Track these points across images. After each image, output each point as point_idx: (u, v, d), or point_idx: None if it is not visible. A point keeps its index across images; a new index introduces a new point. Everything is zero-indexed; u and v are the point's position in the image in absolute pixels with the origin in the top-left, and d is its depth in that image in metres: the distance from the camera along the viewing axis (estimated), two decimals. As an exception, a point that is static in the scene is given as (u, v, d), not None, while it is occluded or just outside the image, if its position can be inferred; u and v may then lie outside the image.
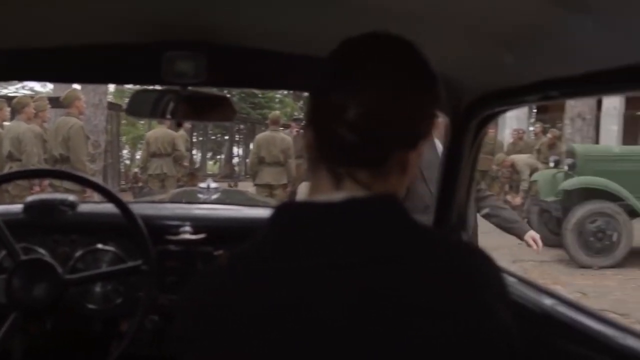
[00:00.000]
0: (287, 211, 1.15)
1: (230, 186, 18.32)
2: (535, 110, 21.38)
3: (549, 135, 14.31)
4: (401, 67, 1.14)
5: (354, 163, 1.12)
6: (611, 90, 1.69)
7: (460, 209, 2.10)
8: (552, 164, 12.18)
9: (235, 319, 1.08)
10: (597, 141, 16.78)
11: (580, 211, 10.36)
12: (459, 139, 2.04)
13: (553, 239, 11.39)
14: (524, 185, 14.15)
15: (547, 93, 1.61)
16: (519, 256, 10.68)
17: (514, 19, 1.38)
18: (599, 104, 16.75)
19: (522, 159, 14.98)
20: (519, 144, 16.27)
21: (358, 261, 1.06)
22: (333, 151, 1.13)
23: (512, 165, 15.05)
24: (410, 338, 1.03)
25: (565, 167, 11.36)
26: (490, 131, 17.07)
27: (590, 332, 1.59)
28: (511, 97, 1.79)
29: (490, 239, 11.96)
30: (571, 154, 11.53)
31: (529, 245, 4.76)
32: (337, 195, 1.10)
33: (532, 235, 4.74)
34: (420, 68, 1.16)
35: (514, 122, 19.90)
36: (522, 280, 1.97)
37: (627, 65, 1.29)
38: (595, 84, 1.44)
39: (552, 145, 13.84)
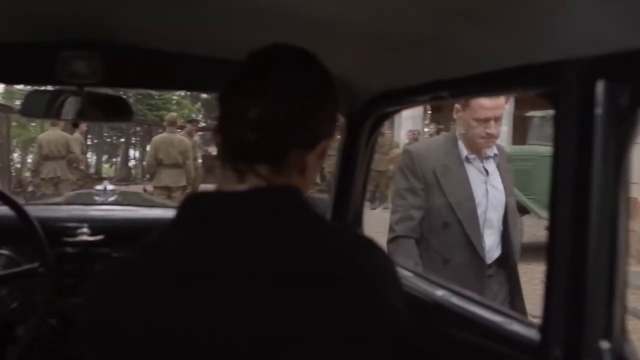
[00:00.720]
0: (193, 199, 1.21)
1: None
2: (430, 112, 21.85)
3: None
4: (298, 73, 1.23)
5: (255, 159, 1.20)
6: (494, 91, 1.78)
7: (356, 206, 2.16)
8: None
9: (135, 308, 1.12)
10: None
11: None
12: (354, 138, 2.10)
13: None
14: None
15: (436, 94, 1.69)
16: (415, 254, 10.95)
17: (403, 25, 1.44)
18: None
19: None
20: (415, 145, 16.63)
21: (256, 247, 1.12)
22: (236, 149, 1.21)
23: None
24: (304, 322, 1.09)
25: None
26: (387, 132, 17.38)
27: (478, 319, 1.67)
28: (403, 98, 1.86)
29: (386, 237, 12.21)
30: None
31: None
32: (241, 187, 1.18)
33: None
34: (316, 74, 1.26)
35: (409, 123, 20.31)
36: (415, 273, 2.05)
37: (509, 68, 1.37)
38: (479, 85, 1.52)
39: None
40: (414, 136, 15.70)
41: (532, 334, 1.41)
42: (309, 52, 1.27)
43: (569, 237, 1.15)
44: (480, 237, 3.13)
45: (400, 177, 3.32)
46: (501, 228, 3.23)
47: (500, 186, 3.25)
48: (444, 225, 3.14)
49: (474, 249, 3.12)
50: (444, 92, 1.64)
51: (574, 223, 1.14)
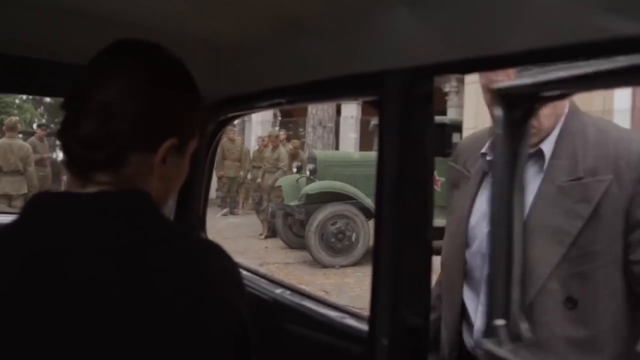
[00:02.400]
0: (37, 199, 1.18)
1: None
2: (280, 117, 22.05)
3: (290, 146, 14.85)
4: (127, 73, 1.19)
5: (91, 169, 1.17)
6: (327, 98, 1.86)
7: (199, 210, 2.19)
8: (295, 170, 12.68)
9: None
10: (337, 147, 17.69)
11: (321, 214, 10.88)
12: (198, 142, 2.12)
13: (297, 241, 11.90)
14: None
15: (273, 100, 1.75)
16: (265, 259, 11.03)
17: (241, 35, 1.50)
18: (339, 112, 17.67)
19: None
20: (266, 151, 16.74)
21: (93, 248, 1.11)
22: (70, 161, 1.19)
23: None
24: (138, 326, 1.08)
25: (307, 173, 11.89)
26: (237, 138, 17.38)
27: (313, 314, 1.75)
28: (243, 104, 1.91)
29: (237, 243, 12.22)
30: (312, 159, 12.10)
31: None
32: (87, 190, 1.17)
33: None
34: (159, 71, 1.22)
35: (259, 129, 20.44)
36: (256, 273, 2.11)
37: (340, 76, 1.46)
38: (313, 92, 1.60)
39: (294, 156, 14.41)
40: (263, 142, 15.78)
41: (363, 326, 1.50)
42: (157, 46, 1.24)
43: (391, 234, 1.25)
44: None
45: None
46: None
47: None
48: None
49: None
50: (281, 98, 1.71)
51: (395, 221, 1.24)
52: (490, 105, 1.77)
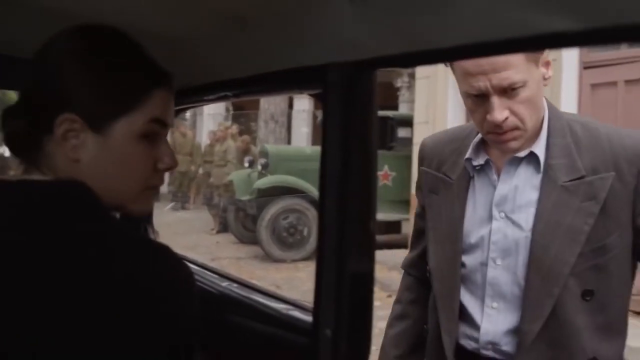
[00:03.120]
0: None
1: None
2: (232, 111, 21.97)
3: (240, 141, 14.80)
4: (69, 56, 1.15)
5: (17, 154, 1.17)
6: (272, 91, 1.86)
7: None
8: (246, 164, 12.66)
9: None
10: (289, 142, 17.70)
11: (273, 208, 10.89)
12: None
13: (249, 236, 11.89)
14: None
15: (219, 93, 1.75)
16: (216, 254, 11.01)
17: (189, 27, 1.50)
18: (291, 106, 17.68)
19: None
20: (216, 145, 16.69)
21: (27, 244, 1.06)
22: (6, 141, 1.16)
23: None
24: (84, 326, 1.04)
25: (259, 167, 11.89)
26: (189, 132, 17.27)
27: (259, 307, 1.76)
28: (190, 97, 1.91)
29: (188, 238, 12.16)
30: (264, 154, 12.10)
31: None
32: (21, 177, 1.14)
33: None
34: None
35: (211, 123, 20.33)
36: (203, 266, 2.11)
37: (284, 69, 1.47)
38: (259, 85, 1.61)
39: (245, 150, 14.37)
40: (215, 137, 15.71)
41: (308, 318, 1.51)
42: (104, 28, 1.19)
43: (334, 227, 1.26)
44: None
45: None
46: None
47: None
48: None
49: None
50: (226, 91, 1.71)
51: (338, 214, 1.25)
52: (472, 111, 1.76)
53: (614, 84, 7.51)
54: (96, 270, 1.07)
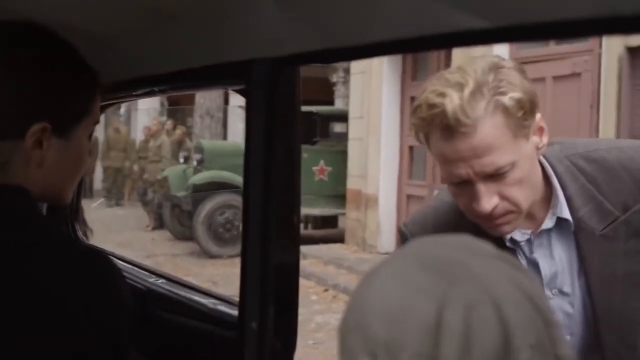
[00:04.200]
0: None
1: None
2: (167, 107, 21.73)
3: (177, 134, 14.68)
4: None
5: None
6: (197, 87, 1.86)
7: (73, 202, 2.15)
8: (182, 160, 12.56)
9: None
10: (225, 137, 17.61)
11: (209, 204, 10.84)
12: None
13: (185, 232, 11.80)
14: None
15: (146, 88, 1.75)
16: (152, 251, 10.90)
17: (116, 21, 1.49)
18: (227, 101, 17.60)
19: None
20: (151, 141, 16.48)
21: None
22: None
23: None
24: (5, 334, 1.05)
25: (194, 163, 11.81)
26: (123, 128, 17.04)
27: (186, 301, 1.77)
28: (117, 92, 1.90)
29: (123, 235, 12.01)
30: (200, 149, 12.02)
31: None
32: None
33: None
34: (16, 53, 1.17)
35: (145, 119, 20.08)
36: (133, 264, 2.11)
37: (209, 65, 1.47)
38: (184, 80, 1.61)
39: (180, 143, 14.27)
40: (150, 132, 15.51)
41: (234, 312, 1.53)
42: (9, 26, 1.18)
43: (259, 222, 1.27)
44: None
45: None
46: None
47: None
48: None
49: None
50: (153, 86, 1.71)
51: (262, 208, 1.27)
52: (455, 196, 1.49)
53: (542, 79, 7.69)
54: (23, 280, 1.08)
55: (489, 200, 1.40)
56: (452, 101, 1.34)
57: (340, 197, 11.62)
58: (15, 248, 1.10)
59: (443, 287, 0.74)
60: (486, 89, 1.36)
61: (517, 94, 1.37)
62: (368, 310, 0.76)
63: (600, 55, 7.03)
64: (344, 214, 11.70)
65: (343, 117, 11.78)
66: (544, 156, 1.53)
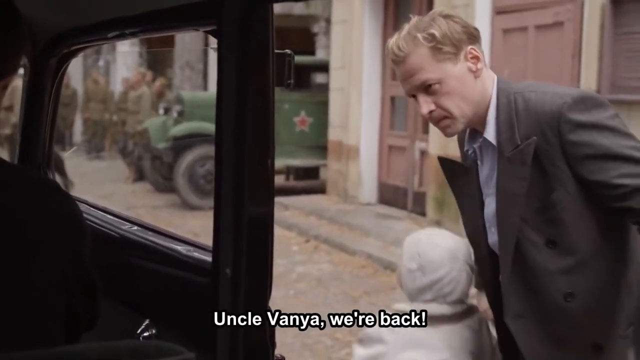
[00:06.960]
0: None
1: None
2: (146, 55, 21.46)
3: (157, 84, 14.52)
4: None
5: None
6: (168, 28, 1.79)
7: (44, 149, 2.12)
8: (162, 112, 12.46)
9: None
10: (206, 88, 17.47)
11: (189, 156, 10.81)
12: (38, 79, 2.04)
13: (166, 184, 11.76)
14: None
15: (114, 31, 1.70)
16: (132, 203, 10.85)
17: None
18: (206, 54, 17.42)
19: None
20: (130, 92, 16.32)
21: None
22: None
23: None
24: None
25: (175, 114, 11.72)
26: (101, 80, 16.85)
27: (160, 248, 1.75)
28: (85, 36, 1.85)
29: (103, 187, 11.96)
30: (180, 101, 11.92)
31: None
32: None
33: None
34: None
35: (124, 70, 19.85)
36: (102, 209, 2.08)
37: (180, 5, 1.43)
38: (154, 22, 1.57)
39: (160, 94, 14.12)
40: (129, 83, 15.32)
41: (208, 258, 1.51)
42: None
43: (232, 165, 1.25)
44: None
45: None
46: None
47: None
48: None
49: None
50: (120, 29, 1.67)
51: (235, 153, 1.24)
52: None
53: (524, 29, 7.64)
54: None
55: (426, 107, 1.95)
56: (392, 41, 1.96)
57: (321, 148, 11.60)
58: None
59: None
60: (416, 30, 1.90)
61: (434, 31, 1.89)
62: None
63: (583, 4, 6.97)
64: (325, 165, 11.70)
65: (324, 68, 11.69)
66: (500, 88, 1.99)
